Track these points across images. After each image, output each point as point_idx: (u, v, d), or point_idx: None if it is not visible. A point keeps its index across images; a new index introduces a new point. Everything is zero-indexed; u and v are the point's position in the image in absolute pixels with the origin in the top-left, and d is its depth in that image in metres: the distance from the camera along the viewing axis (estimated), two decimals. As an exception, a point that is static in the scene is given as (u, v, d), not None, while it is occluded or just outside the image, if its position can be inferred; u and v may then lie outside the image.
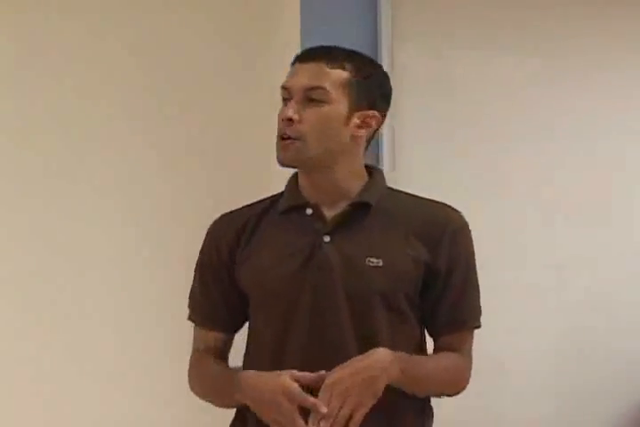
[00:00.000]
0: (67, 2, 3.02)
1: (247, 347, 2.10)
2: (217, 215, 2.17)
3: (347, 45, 3.26)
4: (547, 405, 3.50)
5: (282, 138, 1.99)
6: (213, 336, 2.14)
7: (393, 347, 1.96)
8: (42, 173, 2.94)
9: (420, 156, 3.28)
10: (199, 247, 2.16)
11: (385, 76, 2.10)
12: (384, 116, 2.07)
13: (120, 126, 3.03)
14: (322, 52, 2.03)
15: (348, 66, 2.00)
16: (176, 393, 2.98)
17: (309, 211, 2.04)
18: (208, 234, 2.14)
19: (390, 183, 3.18)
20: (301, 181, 2.06)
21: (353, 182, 2.04)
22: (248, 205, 2.14)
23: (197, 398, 2.13)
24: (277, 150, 2.00)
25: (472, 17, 3.42)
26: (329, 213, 2.03)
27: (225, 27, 3.18)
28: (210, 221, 2.16)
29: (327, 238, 2.00)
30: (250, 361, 2.07)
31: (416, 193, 2.13)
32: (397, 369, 1.90)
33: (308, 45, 3.20)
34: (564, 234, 3.54)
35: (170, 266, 3.03)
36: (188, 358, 2.15)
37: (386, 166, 3.25)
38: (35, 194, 2.93)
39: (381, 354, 1.91)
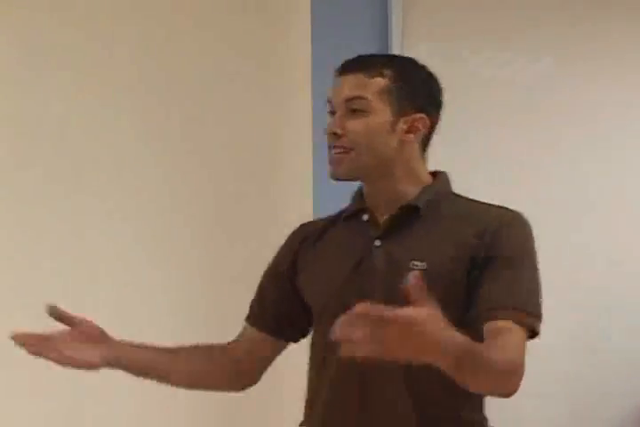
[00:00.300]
0: (77, 7, 3.03)
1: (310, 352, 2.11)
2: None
3: (357, 47, 3.29)
4: (558, 404, 3.50)
5: (332, 152, 1.99)
6: (250, 331, 2.15)
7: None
8: (47, 178, 2.95)
9: (431, 156, 3.28)
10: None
11: (430, 78, 2.06)
12: (435, 117, 2.06)
13: (128, 133, 3.04)
14: (359, 61, 2.02)
15: (386, 72, 1.98)
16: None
17: (366, 217, 2.03)
18: (285, 242, 2.17)
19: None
20: (364, 188, 2.07)
21: (410, 187, 2.01)
22: (327, 216, 2.16)
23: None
24: (330, 165, 2.00)
25: (483, 18, 3.42)
26: (383, 219, 2.02)
27: (236, 26, 3.18)
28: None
29: (378, 243, 1.99)
30: (309, 364, 2.08)
31: None
32: (452, 356, 1.65)
33: (319, 47, 3.25)
34: (576, 233, 3.54)
35: (176, 269, 3.04)
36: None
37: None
38: (38, 199, 2.93)
39: (454, 336, 1.64)
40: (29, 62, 2.93)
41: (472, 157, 3.36)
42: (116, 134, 3.02)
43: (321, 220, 2.15)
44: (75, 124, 2.97)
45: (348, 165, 1.97)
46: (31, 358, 2.31)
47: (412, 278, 1.53)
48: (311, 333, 2.11)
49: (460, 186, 3.21)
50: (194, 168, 3.10)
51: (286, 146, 3.23)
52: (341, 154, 1.98)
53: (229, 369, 2.14)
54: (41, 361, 1.89)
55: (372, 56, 2.06)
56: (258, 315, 2.16)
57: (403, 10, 3.31)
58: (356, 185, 2.10)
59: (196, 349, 2.13)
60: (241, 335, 2.17)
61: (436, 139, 3.12)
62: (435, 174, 2.09)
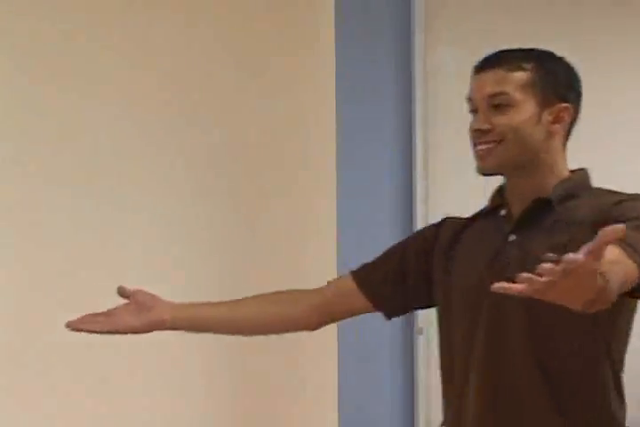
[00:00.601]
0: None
1: (440, 343, 2.10)
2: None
3: (380, 49, 3.32)
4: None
5: (478, 148, 2.00)
6: (347, 282, 2.18)
7: (572, 351, 1.91)
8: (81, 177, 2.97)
9: (453, 157, 3.30)
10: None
11: (569, 68, 2.06)
12: (577, 107, 2.05)
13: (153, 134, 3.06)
14: (497, 57, 2.01)
15: (526, 66, 1.99)
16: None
17: (503, 212, 2.05)
18: (429, 225, 2.19)
19: (422, 184, 3.23)
20: (505, 183, 2.08)
21: (550, 181, 2.01)
22: (471, 215, 2.16)
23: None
24: (476, 160, 2.01)
25: (505, 20, 3.44)
26: (518, 213, 2.03)
27: (259, 30, 3.19)
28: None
29: (512, 237, 1.99)
30: (441, 357, 2.09)
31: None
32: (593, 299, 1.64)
33: (343, 50, 3.28)
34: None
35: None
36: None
37: (418, 167, 3.28)
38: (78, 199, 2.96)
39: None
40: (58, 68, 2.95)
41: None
42: (139, 135, 3.04)
43: (463, 218, 2.15)
44: (100, 125, 2.99)
45: (497, 158, 1.98)
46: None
47: (613, 232, 1.45)
48: (438, 338, 2.10)
49: (479, 185, 3.24)
50: (216, 168, 3.13)
51: (310, 146, 3.26)
52: (489, 146, 1.98)
53: (310, 304, 2.18)
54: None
55: (509, 51, 2.04)
56: (364, 274, 2.18)
57: (425, 13, 3.34)
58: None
59: (264, 295, 2.20)
60: (333, 282, 2.21)
61: (461, 140, 3.11)
62: (575, 171, 2.06)
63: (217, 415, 3.05)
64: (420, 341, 3.26)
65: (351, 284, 2.17)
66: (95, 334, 2.07)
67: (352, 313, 2.21)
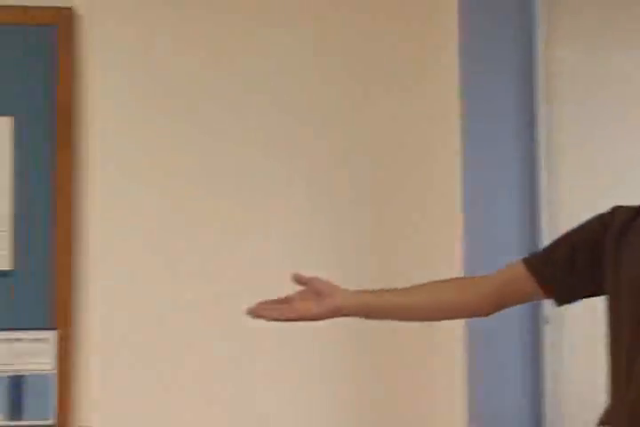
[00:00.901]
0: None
1: (608, 334, 2.09)
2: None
3: (502, 43, 3.33)
4: None
5: None
6: (518, 268, 2.21)
7: None
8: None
9: (578, 157, 3.30)
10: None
11: None
12: None
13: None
14: None
15: None
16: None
17: None
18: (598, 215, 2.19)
19: (544, 180, 3.24)
20: None
21: None
22: None
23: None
24: None
25: (628, 14, 3.42)
26: None
27: (385, 40, 3.32)
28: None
29: None
30: (610, 351, 2.07)
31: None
32: None
33: (466, 44, 3.30)
34: None
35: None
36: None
37: (543, 163, 3.29)
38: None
39: None
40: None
41: (616, 152, 3.36)
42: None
43: (635, 206, 2.12)
44: (245, 131, 3.19)
45: None
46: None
47: None
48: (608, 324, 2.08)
49: (603, 181, 3.24)
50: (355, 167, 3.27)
51: (433, 154, 3.34)
52: None
53: (480, 292, 2.23)
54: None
55: None
56: (535, 261, 2.20)
57: (547, 8, 3.34)
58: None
59: (436, 282, 2.26)
60: (503, 270, 2.25)
61: (584, 136, 3.07)
62: None
63: (345, 408, 3.14)
64: (547, 330, 3.27)
65: (523, 271, 2.19)
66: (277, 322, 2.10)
67: (522, 300, 2.26)
